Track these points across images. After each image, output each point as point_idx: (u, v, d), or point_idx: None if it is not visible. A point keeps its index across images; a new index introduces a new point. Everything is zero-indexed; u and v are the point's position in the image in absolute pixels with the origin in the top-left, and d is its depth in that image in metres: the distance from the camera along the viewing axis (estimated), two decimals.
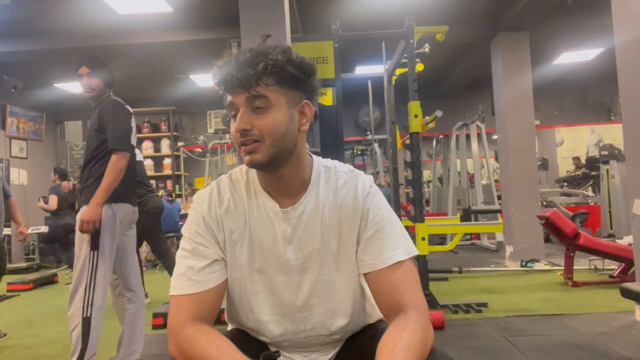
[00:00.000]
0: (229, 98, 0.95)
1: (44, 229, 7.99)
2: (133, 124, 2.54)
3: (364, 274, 1.01)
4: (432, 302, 3.60)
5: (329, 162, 1.08)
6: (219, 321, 2.50)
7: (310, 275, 1.03)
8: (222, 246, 1.01)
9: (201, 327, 0.93)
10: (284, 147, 0.94)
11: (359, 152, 8.54)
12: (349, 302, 1.05)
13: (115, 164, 2.36)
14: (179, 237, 7.84)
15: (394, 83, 4.81)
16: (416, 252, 1.02)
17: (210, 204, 1.02)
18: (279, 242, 1.01)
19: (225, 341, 0.91)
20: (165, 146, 9.78)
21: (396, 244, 0.99)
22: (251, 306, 1.04)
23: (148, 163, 9.53)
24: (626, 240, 5.87)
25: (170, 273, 4.36)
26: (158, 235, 4.55)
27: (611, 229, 7.32)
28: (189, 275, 0.96)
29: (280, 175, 0.99)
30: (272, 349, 1.10)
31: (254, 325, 1.07)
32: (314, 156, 1.07)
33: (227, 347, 0.89)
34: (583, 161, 9.71)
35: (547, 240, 6.80)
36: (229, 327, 1.16)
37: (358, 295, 1.07)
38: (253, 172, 1.05)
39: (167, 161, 9.75)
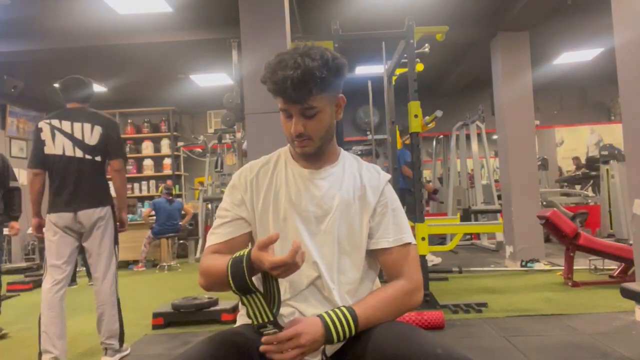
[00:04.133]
0: (280, 102, 1.15)
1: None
2: (44, 136, 2.84)
3: (380, 249, 1.22)
4: (432, 302, 3.60)
5: (356, 157, 1.33)
6: (219, 321, 2.56)
7: (325, 226, 1.21)
8: (249, 203, 1.24)
9: (211, 254, 1.20)
10: (327, 139, 1.21)
11: (358, 153, 8.52)
12: (358, 262, 1.22)
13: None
14: (179, 238, 7.85)
15: (394, 83, 4.81)
16: (414, 241, 1.25)
17: (241, 173, 1.29)
18: (302, 196, 1.22)
19: (218, 256, 1.16)
20: (165, 146, 9.77)
21: (406, 229, 1.24)
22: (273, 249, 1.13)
23: (148, 163, 9.54)
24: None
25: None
26: None
27: (611, 229, 7.31)
28: (212, 231, 1.24)
29: (314, 155, 1.22)
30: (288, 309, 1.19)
31: None
32: (342, 149, 1.31)
33: (217, 257, 1.15)
34: (583, 161, 9.71)
35: (547, 240, 6.80)
36: (238, 323, 1.25)
37: (364, 256, 1.23)
38: (286, 148, 1.30)
39: (167, 161, 9.75)
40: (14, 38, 5.78)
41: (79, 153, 2.83)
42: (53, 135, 2.81)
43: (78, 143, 2.83)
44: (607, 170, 7.34)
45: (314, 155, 1.21)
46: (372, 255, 1.24)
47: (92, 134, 2.85)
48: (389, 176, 1.28)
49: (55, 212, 2.79)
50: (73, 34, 5.78)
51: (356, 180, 1.25)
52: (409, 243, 1.22)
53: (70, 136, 2.83)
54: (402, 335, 1.06)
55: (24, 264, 7.72)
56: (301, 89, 1.09)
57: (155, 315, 3.63)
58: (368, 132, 5.22)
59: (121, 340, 2.88)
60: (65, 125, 2.83)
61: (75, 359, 3.01)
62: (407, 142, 4.30)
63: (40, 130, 2.84)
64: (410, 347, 1.01)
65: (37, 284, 5.92)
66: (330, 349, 1.14)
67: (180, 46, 6.11)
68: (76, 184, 2.82)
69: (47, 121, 2.86)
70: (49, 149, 2.81)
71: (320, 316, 1.08)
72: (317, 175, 1.23)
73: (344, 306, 1.12)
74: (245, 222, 1.24)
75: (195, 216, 8.19)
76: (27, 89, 7.62)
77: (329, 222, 1.20)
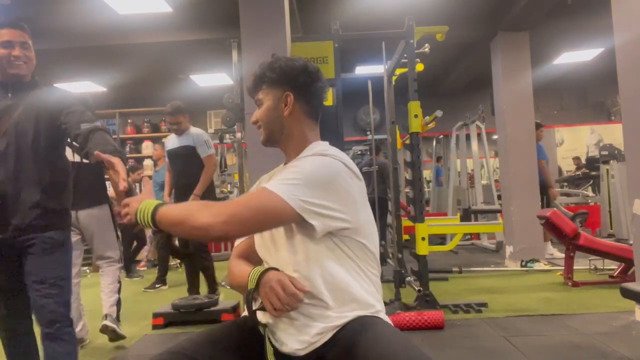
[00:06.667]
0: None
1: None
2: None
3: None
4: (432, 302, 3.60)
5: (325, 144, 1.33)
6: (219, 321, 2.60)
7: None
8: None
9: (236, 258, 1.36)
10: (271, 129, 1.31)
11: (359, 152, 8.53)
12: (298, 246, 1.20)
13: None
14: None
15: (394, 83, 4.81)
16: (277, 189, 1.12)
17: (258, 180, 1.44)
18: None
19: (241, 261, 1.34)
20: None
21: (276, 182, 1.15)
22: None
23: (148, 163, 9.53)
24: None
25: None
26: None
27: (611, 228, 7.32)
28: None
29: (282, 149, 1.35)
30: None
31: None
32: (319, 141, 1.33)
33: (240, 263, 1.33)
34: (583, 161, 9.71)
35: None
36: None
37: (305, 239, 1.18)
38: None
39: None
40: None
41: (77, 158, 3.07)
42: None
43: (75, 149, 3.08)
44: (607, 170, 7.34)
45: (267, 144, 1.34)
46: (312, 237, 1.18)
47: None
48: (319, 150, 1.25)
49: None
50: (73, 34, 5.78)
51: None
52: (262, 189, 1.15)
53: (69, 143, 2.97)
54: (370, 339, 1.09)
55: None
56: (252, 85, 1.34)
57: (155, 315, 3.63)
58: (368, 132, 5.22)
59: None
60: None
61: None
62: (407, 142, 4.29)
63: None
64: (377, 352, 1.04)
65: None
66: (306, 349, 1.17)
67: (180, 46, 6.11)
68: (75, 186, 2.91)
69: None
70: None
71: (146, 200, 1.21)
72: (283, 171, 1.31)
73: (159, 202, 1.19)
74: None
75: None
76: None
77: None
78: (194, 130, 4.12)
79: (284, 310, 1.12)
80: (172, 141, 4.16)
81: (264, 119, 1.31)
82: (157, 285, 5.40)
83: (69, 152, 2.95)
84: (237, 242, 1.38)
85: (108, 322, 3.10)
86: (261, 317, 1.23)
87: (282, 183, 1.13)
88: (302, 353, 1.16)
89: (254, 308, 1.19)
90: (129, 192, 1.41)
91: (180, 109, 4.01)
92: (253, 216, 1.11)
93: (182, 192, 4.02)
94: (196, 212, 1.11)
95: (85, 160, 2.94)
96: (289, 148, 1.32)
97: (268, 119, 1.30)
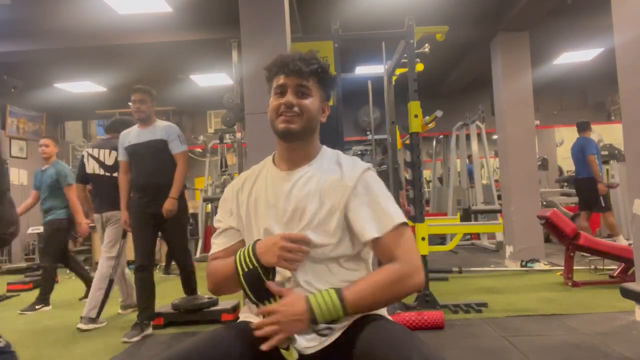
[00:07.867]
0: (280, 79, 1.24)
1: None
2: (85, 160, 4.22)
3: (369, 240, 1.19)
4: (432, 302, 3.60)
5: (337, 151, 1.36)
6: (219, 321, 2.61)
7: (299, 228, 1.23)
8: (236, 213, 1.33)
9: (214, 261, 1.31)
10: (310, 125, 1.26)
11: (359, 152, 8.53)
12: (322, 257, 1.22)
13: None
14: None
15: (394, 83, 4.81)
16: (404, 219, 1.20)
17: (231, 186, 1.38)
18: (278, 199, 1.26)
19: (222, 260, 1.27)
20: None
21: (390, 214, 1.20)
22: None
23: None
24: None
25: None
26: None
27: None
28: (212, 240, 1.36)
29: (295, 147, 1.28)
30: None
31: None
32: (325, 147, 1.36)
33: (220, 260, 1.28)
34: None
35: (547, 240, 6.80)
36: (241, 318, 1.30)
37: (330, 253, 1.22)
38: (269, 157, 1.36)
39: None
40: (14, 38, 5.77)
41: (101, 171, 4.06)
42: (88, 160, 4.13)
43: (101, 164, 4.08)
44: (607, 170, 7.34)
45: (296, 134, 1.25)
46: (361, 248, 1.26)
47: (109, 156, 4.06)
48: (366, 165, 1.28)
49: (94, 212, 4.14)
50: (73, 34, 5.78)
51: (335, 171, 1.27)
52: (397, 226, 1.19)
53: (96, 159, 4.09)
54: (380, 336, 1.08)
55: (24, 264, 7.71)
56: (306, 64, 1.23)
57: (155, 316, 3.63)
58: (368, 132, 5.22)
59: (98, 314, 3.73)
60: (95, 152, 4.13)
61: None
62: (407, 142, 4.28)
63: (82, 156, 4.24)
64: (386, 349, 1.03)
65: (38, 284, 5.91)
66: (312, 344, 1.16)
67: (180, 46, 6.11)
68: (100, 193, 4.08)
69: (88, 149, 4.21)
70: (88, 169, 4.11)
71: (306, 295, 1.13)
72: (294, 176, 1.27)
73: (332, 288, 1.14)
74: (237, 231, 1.34)
75: (195, 216, 8.19)
76: (27, 89, 7.62)
77: (303, 224, 1.23)
78: (163, 122, 3.67)
79: (299, 260, 1.16)
80: (134, 135, 3.56)
81: (312, 112, 1.26)
82: (36, 307, 4.50)
83: (95, 165, 3.95)
84: (213, 251, 1.33)
85: (81, 325, 3.65)
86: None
87: (396, 213, 1.21)
88: (310, 351, 1.15)
89: (268, 280, 1.16)
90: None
91: (151, 90, 3.59)
92: None
93: (153, 194, 3.47)
94: (407, 277, 1.15)
95: (106, 173, 3.99)
96: (304, 148, 1.30)
97: (314, 115, 1.27)
